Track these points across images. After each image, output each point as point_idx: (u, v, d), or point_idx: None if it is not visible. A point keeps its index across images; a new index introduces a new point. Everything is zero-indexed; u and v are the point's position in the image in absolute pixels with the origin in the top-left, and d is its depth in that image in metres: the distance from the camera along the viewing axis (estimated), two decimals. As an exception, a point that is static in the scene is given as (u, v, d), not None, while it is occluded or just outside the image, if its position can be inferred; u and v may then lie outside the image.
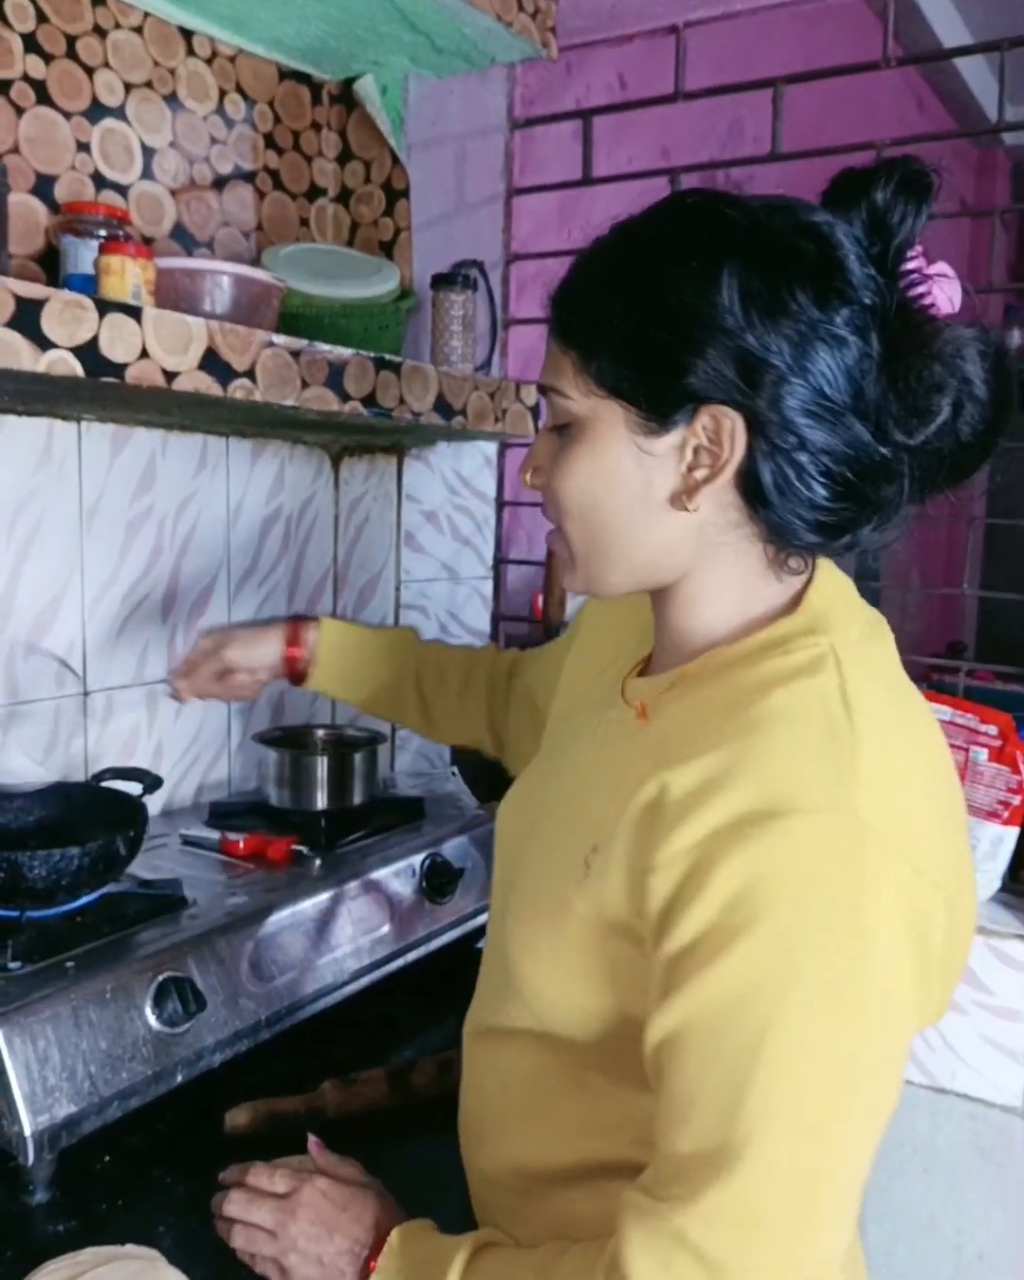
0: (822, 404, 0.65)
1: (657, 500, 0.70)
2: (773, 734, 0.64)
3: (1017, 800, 1.26)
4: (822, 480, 0.66)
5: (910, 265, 0.67)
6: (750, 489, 0.68)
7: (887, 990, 0.62)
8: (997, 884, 1.32)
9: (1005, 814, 1.27)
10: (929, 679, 2.01)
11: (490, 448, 1.66)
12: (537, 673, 1.07)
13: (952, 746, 1.30)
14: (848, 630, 0.70)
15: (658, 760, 0.67)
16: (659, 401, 0.67)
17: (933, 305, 0.67)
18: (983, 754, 1.27)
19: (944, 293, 0.67)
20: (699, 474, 0.68)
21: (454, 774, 1.60)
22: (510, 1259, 0.71)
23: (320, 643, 1.16)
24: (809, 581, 0.73)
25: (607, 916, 0.69)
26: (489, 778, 1.22)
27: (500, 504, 1.69)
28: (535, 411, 1.52)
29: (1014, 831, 1.29)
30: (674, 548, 0.71)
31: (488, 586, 1.72)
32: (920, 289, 0.67)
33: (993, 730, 1.27)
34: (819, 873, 0.60)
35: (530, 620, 1.76)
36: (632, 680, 0.80)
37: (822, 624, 0.70)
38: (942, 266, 0.67)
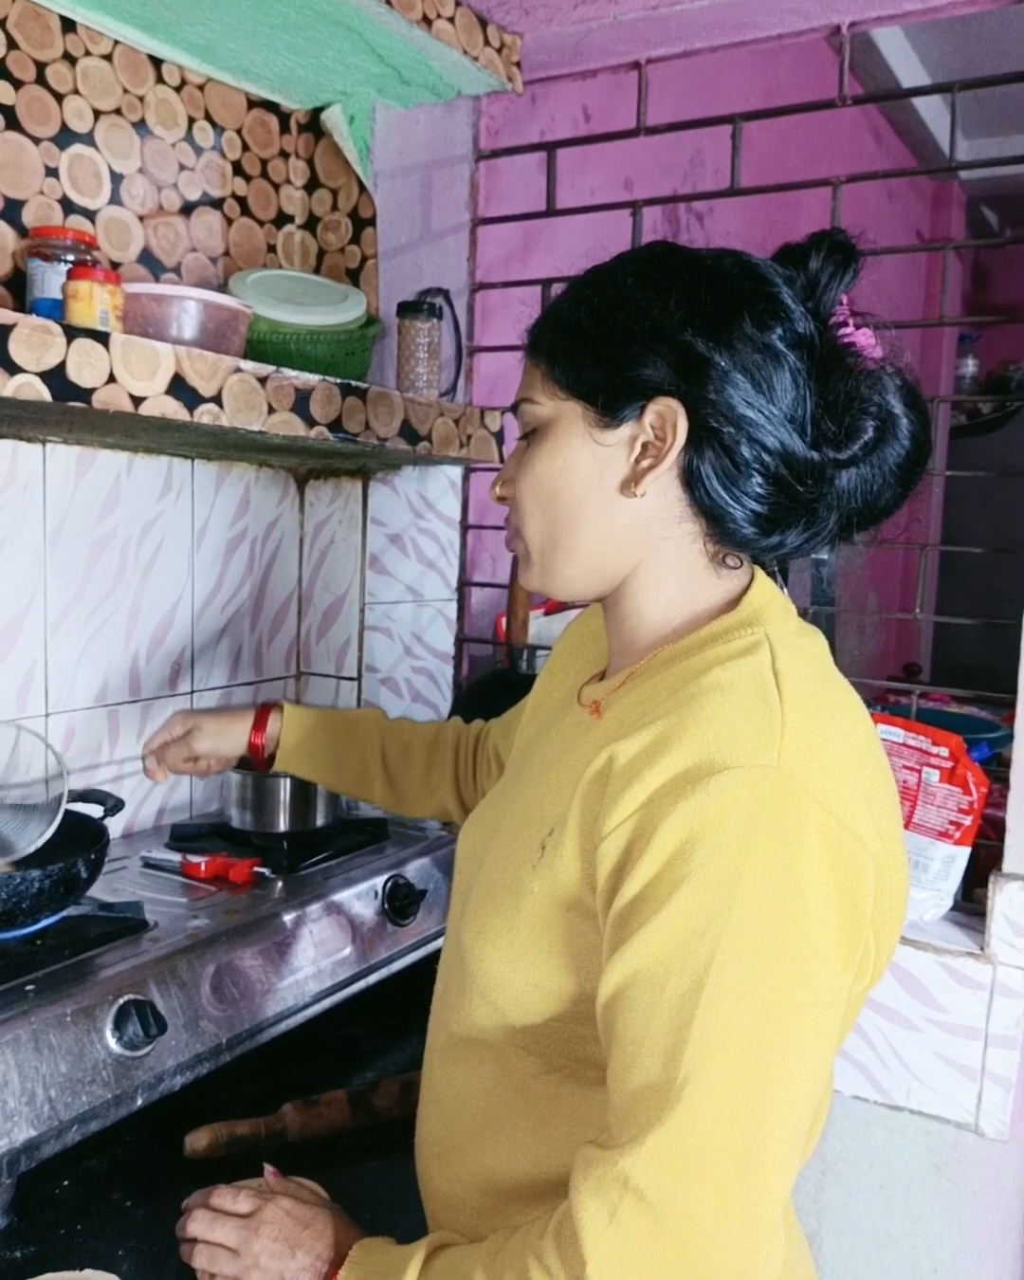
0: (758, 401, 0.72)
1: (608, 488, 0.77)
2: (709, 702, 0.69)
3: (968, 821, 1.29)
4: (756, 469, 0.73)
5: (838, 317, 0.75)
6: (692, 482, 0.75)
7: (815, 933, 0.65)
8: (949, 903, 1.34)
9: (957, 834, 1.29)
10: (885, 701, 2.05)
11: (455, 472, 1.68)
12: (502, 734, 1.11)
13: (904, 768, 1.33)
14: (784, 625, 0.77)
15: (608, 741, 0.72)
16: (613, 395, 0.75)
17: (857, 345, 0.74)
18: (935, 775, 1.30)
19: (867, 340, 0.75)
20: (645, 463, 0.75)
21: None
22: (465, 1252, 0.73)
23: (284, 728, 1.21)
24: (747, 588, 0.79)
25: (560, 894, 0.72)
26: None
27: (465, 527, 1.71)
28: (499, 437, 1.54)
29: (966, 851, 1.31)
30: (622, 537, 0.77)
31: (452, 608, 1.73)
32: (847, 333, 0.75)
33: (944, 752, 1.30)
34: (751, 823, 0.64)
35: (494, 642, 1.77)
36: (586, 686, 0.85)
37: (758, 619, 0.76)
38: (865, 330, 0.76)
